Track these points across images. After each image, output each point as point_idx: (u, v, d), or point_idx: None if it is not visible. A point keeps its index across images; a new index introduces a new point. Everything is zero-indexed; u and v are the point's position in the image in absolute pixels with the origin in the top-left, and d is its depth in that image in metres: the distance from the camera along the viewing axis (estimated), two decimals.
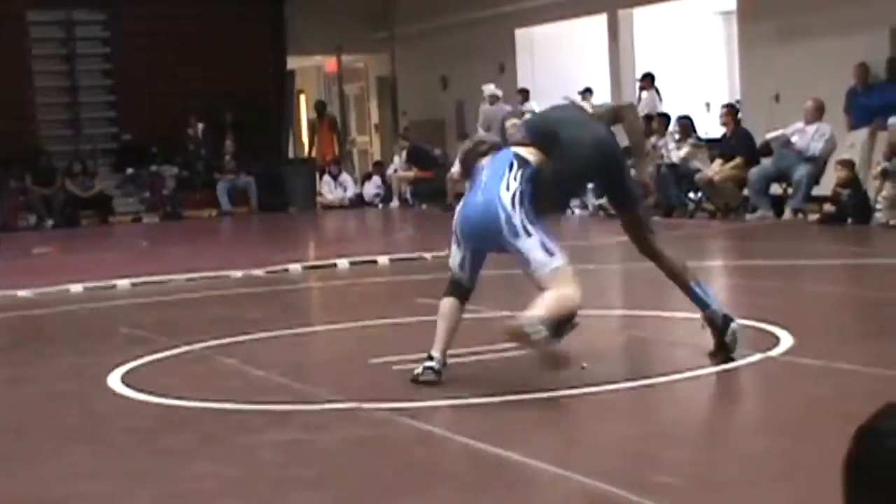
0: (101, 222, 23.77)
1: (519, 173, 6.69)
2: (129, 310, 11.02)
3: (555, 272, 6.48)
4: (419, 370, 6.73)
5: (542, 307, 6.33)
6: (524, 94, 22.05)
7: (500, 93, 22.25)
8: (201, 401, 6.67)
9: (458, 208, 6.93)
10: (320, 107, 27.86)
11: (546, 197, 6.77)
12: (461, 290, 6.87)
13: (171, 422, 6.36)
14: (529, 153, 6.85)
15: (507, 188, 6.61)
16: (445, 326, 6.78)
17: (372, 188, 25.32)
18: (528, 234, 6.52)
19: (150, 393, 6.93)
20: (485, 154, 7.07)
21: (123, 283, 12.49)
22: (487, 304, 8.81)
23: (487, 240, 6.70)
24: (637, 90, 21.29)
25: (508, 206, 6.55)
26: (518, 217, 6.54)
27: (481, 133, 7.32)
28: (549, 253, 6.51)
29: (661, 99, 20.80)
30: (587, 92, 20.22)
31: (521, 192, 6.59)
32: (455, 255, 6.88)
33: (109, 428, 6.39)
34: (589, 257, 11.17)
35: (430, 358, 6.73)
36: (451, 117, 25.65)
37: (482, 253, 6.84)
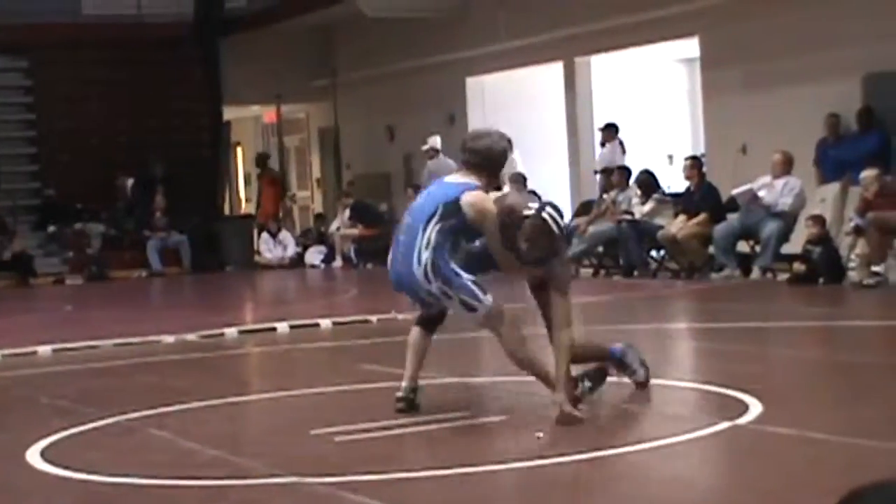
0: (21, 284, 23.57)
1: (435, 231, 7.32)
2: (50, 379, 10.91)
3: (484, 324, 7.44)
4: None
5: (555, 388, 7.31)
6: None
7: (437, 146, 22.15)
8: (129, 477, 6.60)
9: (389, 255, 7.60)
10: (261, 160, 27.85)
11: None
12: (428, 320, 7.75)
13: (97, 500, 6.30)
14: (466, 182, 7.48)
15: (419, 261, 7.31)
16: (411, 356, 7.75)
17: (315, 254, 25.17)
18: (449, 297, 7.33)
19: (73, 469, 6.85)
20: None
21: (45, 350, 12.38)
22: (442, 371, 8.80)
23: (417, 297, 7.55)
24: (600, 141, 21.40)
25: (423, 283, 7.33)
26: (436, 287, 7.32)
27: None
28: (471, 309, 7.31)
29: (624, 151, 20.93)
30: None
31: (433, 261, 7.29)
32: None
33: None
34: None
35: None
36: (398, 170, 25.72)
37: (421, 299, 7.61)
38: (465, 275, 7.31)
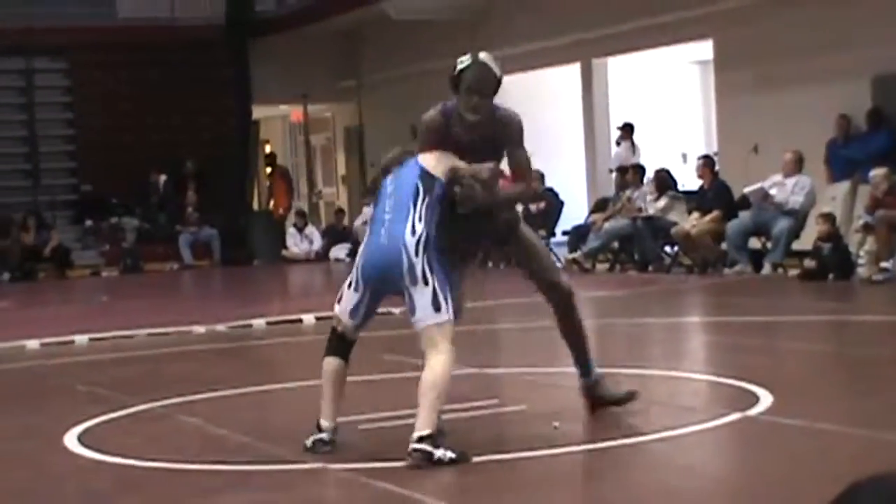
0: (59, 276, 23.65)
1: (425, 206, 6.58)
2: (87, 366, 10.94)
3: (433, 328, 6.44)
4: (309, 442, 6.59)
5: (425, 422, 6.24)
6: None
7: None
8: (161, 461, 6.61)
9: (361, 248, 6.78)
10: (270, 159, 27.94)
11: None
12: (344, 346, 6.77)
13: (130, 483, 6.30)
14: (437, 162, 6.74)
15: (413, 232, 6.51)
16: (331, 391, 6.70)
17: (340, 248, 25.09)
18: (426, 283, 6.46)
19: (108, 453, 6.87)
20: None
21: (81, 339, 12.42)
22: (461, 362, 8.78)
23: (388, 282, 6.60)
24: (616, 139, 21.39)
25: (413, 254, 6.47)
26: (420, 264, 6.47)
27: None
28: (437, 308, 6.45)
29: (634, 151, 20.92)
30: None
31: (427, 235, 6.52)
32: (347, 301, 6.71)
33: (64, 490, 6.33)
34: None
35: (319, 428, 6.61)
36: None
37: (378, 298, 6.73)
38: (444, 272, 6.54)
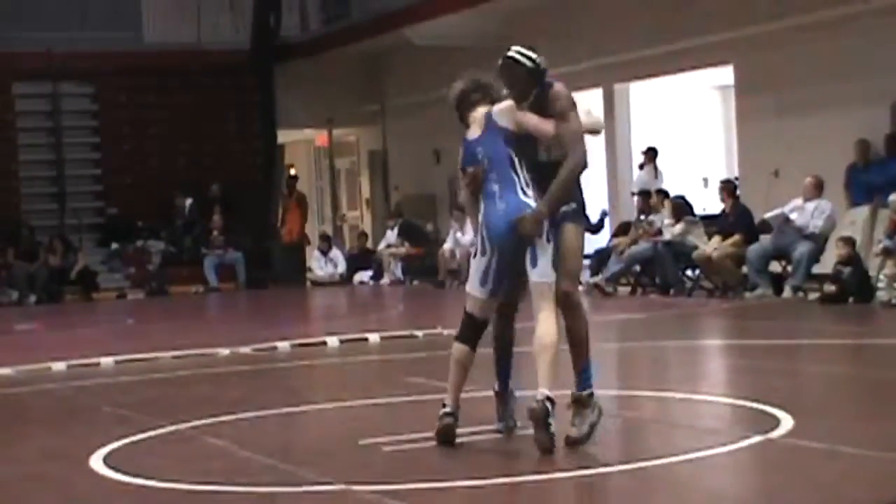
0: (85, 298, 23.72)
1: (524, 169, 7.02)
2: (112, 388, 10.97)
3: (546, 286, 6.96)
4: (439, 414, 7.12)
5: (547, 381, 6.81)
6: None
7: None
8: (186, 483, 6.62)
9: (482, 219, 7.09)
10: (291, 182, 27.79)
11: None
12: (472, 333, 7.16)
13: None
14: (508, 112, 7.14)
15: (525, 194, 6.98)
16: (455, 375, 7.17)
17: (364, 275, 25.02)
18: (549, 241, 6.96)
19: (134, 475, 6.88)
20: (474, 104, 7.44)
21: (107, 361, 12.45)
22: (486, 383, 8.78)
23: (514, 241, 6.96)
24: (640, 163, 21.39)
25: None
26: (546, 224, 6.94)
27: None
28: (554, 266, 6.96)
29: (657, 175, 20.91)
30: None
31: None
32: (475, 272, 7.12)
33: None
34: None
35: (444, 405, 7.14)
36: (443, 192, 25.72)
37: (506, 263, 7.04)
38: None
